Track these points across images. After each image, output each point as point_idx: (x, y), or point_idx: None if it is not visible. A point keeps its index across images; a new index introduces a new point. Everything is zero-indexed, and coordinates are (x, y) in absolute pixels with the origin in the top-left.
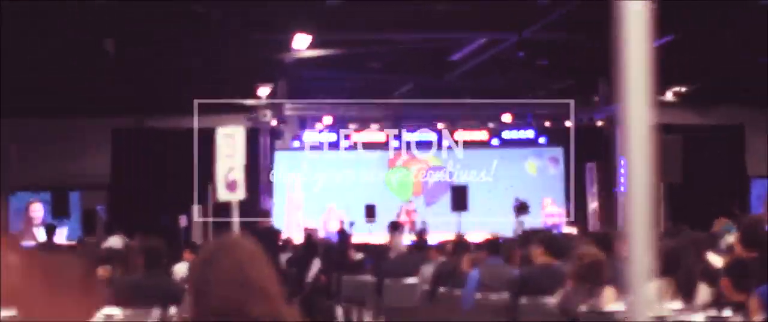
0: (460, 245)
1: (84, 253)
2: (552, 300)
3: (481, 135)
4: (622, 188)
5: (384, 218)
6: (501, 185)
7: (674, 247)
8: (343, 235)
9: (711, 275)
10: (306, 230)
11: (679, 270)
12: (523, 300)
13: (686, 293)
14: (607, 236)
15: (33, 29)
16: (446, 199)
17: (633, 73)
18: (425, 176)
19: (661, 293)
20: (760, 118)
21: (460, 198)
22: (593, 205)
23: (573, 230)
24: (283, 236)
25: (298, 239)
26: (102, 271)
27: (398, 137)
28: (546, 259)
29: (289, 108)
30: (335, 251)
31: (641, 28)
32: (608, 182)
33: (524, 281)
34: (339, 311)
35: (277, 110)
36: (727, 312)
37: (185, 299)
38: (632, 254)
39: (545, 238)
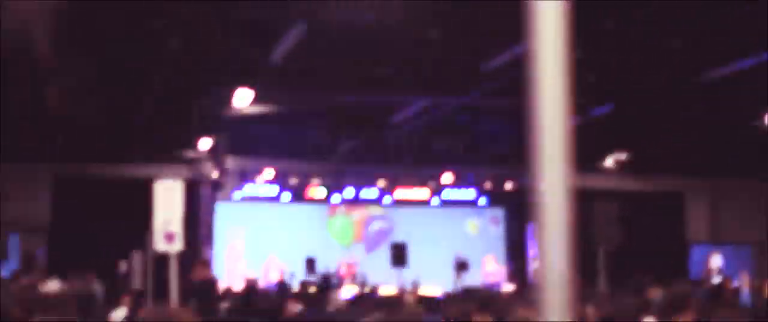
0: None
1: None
2: None
3: (423, 193)
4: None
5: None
6: (442, 243)
7: (610, 312)
8: (282, 286)
9: None
10: (247, 279)
11: None
12: None
13: None
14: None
15: None
16: (386, 248)
17: (549, 140)
18: (366, 224)
19: None
20: (700, 186)
21: (399, 255)
22: (535, 264)
23: (512, 287)
24: (224, 285)
25: (239, 288)
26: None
27: (339, 191)
28: (483, 318)
29: (231, 161)
30: (274, 302)
31: (557, 88)
32: None
33: None
34: None
35: (218, 163)
36: None
37: None
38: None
39: (483, 297)
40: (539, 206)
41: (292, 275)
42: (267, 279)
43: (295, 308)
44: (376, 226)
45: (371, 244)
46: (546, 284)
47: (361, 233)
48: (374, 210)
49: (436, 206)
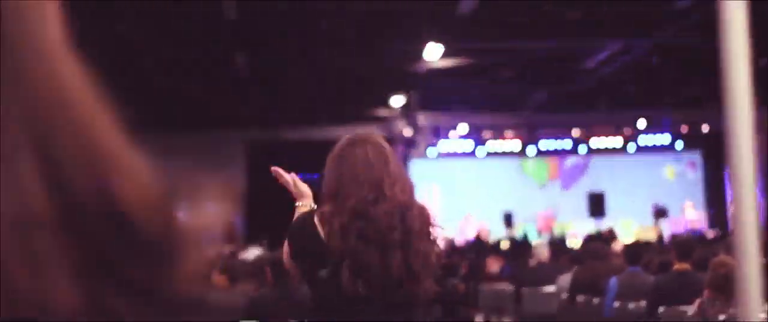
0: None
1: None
2: (690, 310)
3: (617, 141)
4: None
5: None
6: (639, 191)
7: None
8: (479, 243)
9: None
10: (445, 240)
11: None
12: (661, 309)
13: None
14: None
15: (167, 46)
16: (583, 183)
17: (735, 75)
18: (562, 159)
19: None
20: None
21: (597, 205)
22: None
23: (713, 234)
24: None
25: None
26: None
27: (534, 143)
28: (682, 266)
29: (423, 118)
30: (473, 259)
31: (741, 30)
32: None
33: (660, 290)
34: (478, 319)
35: (411, 120)
36: None
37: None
38: (741, 261)
39: (680, 244)
40: (728, 149)
41: (489, 232)
42: (464, 236)
43: (495, 265)
44: (572, 161)
45: (567, 179)
46: (738, 229)
47: (557, 169)
48: (570, 161)
49: (632, 153)
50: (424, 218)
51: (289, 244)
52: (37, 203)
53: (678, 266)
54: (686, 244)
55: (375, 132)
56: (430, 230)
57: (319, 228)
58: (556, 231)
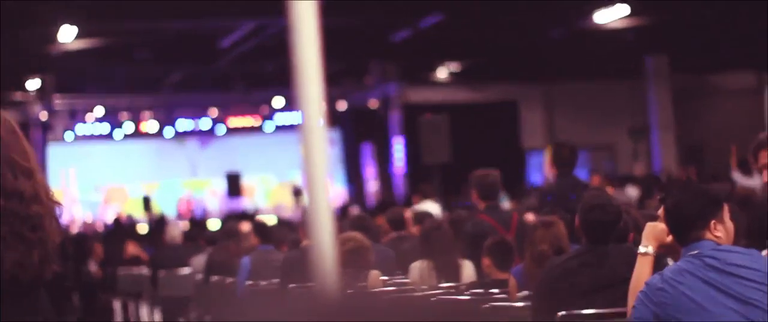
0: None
1: None
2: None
3: (254, 121)
4: (394, 167)
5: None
6: (278, 168)
7: (432, 228)
8: (118, 227)
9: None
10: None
11: (441, 251)
12: (291, 285)
13: (450, 273)
14: (363, 219)
15: None
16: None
17: (306, 73)
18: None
19: (424, 273)
20: (532, 93)
21: (234, 184)
22: (372, 184)
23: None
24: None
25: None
26: None
27: (172, 124)
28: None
29: (59, 101)
30: (111, 243)
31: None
32: (384, 162)
33: (289, 266)
34: (116, 305)
35: (46, 103)
36: (491, 290)
37: None
38: (317, 242)
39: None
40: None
41: (129, 216)
42: (102, 220)
43: (134, 249)
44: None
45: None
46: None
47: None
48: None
49: (270, 132)
50: (50, 197)
51: None
52: None
53: (306, 242)
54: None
55: (7, 114)
56: (55, 209)
57: None
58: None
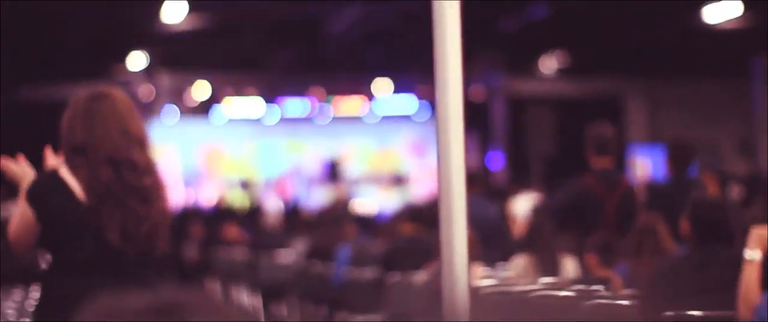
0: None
1: None
2: (422, 276)
3: (359, 106)
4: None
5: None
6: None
7: (537, 222)
8: (217, 209)
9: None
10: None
11: (544, 245)
12: (392, 276)
13: (551, 268)
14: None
15: None
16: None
17: (447, 57)
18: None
19: (526, 269)
20: (637, 89)
21: (334, 171)
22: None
23: None
24: None
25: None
26: None
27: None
28: (414, 230)
29: (164, 78)
30: (211, 225)
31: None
32: (485, 152)
33: (391, 255)
34: (216, 287)
35: (151, 80)
36: (595, 287)
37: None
38: (446, 232)
39: (413, 210)
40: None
41: (228, 198)
42: (203, 201)
43: (233, 231)
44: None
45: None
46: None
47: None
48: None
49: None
50: (160, 176)
51: (31, 207)
52: None
53: (406, 228)
54: (416, 207)
55: (115, 87)
56: (165, 187)
57: (72, 183)
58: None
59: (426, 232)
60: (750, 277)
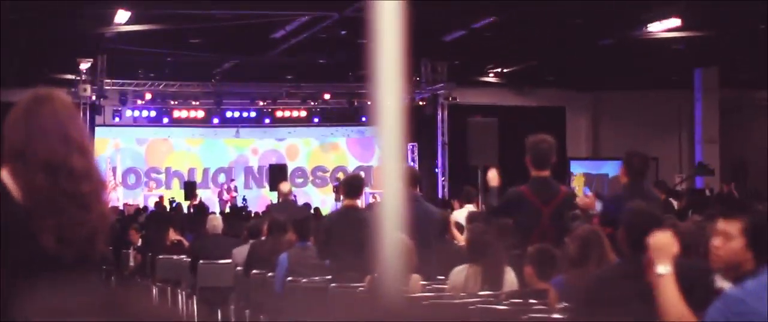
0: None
1: None
2: (361, 285)
3: (302, 113)
4: (438, 169)
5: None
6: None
7: (481, 233)
8: (158, 213)
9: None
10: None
11: (487, 257)
12: (333, 285)
13: (494, 280)
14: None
15: None
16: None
17: (385, 61)
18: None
19: (469, 279)
20: (580, 100)
21: (277, 177)
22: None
23: None
24: None
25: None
26: None
27: (220, 115)
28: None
29: (109, 83)
30: (152, 229)
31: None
32: (428, 161)
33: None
34: (154, 291)
35: (97, 85)
36: (531, 300)
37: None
38: (382, 239)
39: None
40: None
41: (173, 202)
42: (147, 206)
43: (175, 235)
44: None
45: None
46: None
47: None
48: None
49: (316, 124)
50: (101, 179)
51: None
52: None
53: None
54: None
55: (59, 91)
56: (105, 192)
57: (11, 186)
58: (238, 202)
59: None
60: (671, 293)
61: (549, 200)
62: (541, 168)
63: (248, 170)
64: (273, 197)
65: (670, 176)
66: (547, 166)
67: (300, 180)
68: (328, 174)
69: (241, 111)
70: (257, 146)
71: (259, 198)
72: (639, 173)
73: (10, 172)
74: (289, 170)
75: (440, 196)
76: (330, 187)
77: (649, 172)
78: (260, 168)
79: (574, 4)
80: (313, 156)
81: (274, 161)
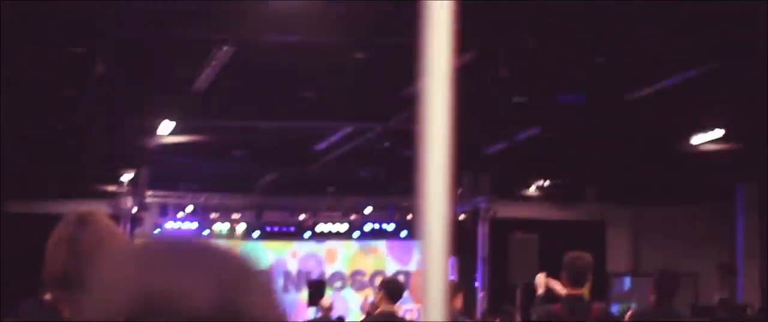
0: None
1: None
2: None
3: (342, 227)
4: (477, 284)
5: None
6: (359, 277)
7: None
8: None
9: None
10: None
11: None
12: None
13: None
14: None
15: None
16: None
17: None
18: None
19: None
20: (621, 215)
21: (317, 293)
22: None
23: None
24: None
25: None
26: None
27: (261, 228)
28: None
29: (151, 195)
30: None
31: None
32: (468, 277)
33: None
34: None
35: (138, 197)
36: None
37: None
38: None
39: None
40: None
41: None
42: None
43: None
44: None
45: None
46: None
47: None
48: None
49: (356, 238)
50: None
51: None
52: None
53: None
54: None
55: (100, 209)
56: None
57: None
58: None
59: None
60: None
61: (581, 318)
62: (576, 285)
63: (287, 275)
64: (311, 312)
65: (708, 294)
66: (583, 283)
67: (338, 284)
68: (366, 278)
69: (280, 228)
70: (296, 250)
71: (296, 303)
72: (668, 292)
73: (60, 302)
74: (328, 274)
75: (480, 314)
76: (368, 290)
77: (687, 290)
78: (299, 272)
79: (622, 116)
80: (353, 260)
81: (312, 264)
